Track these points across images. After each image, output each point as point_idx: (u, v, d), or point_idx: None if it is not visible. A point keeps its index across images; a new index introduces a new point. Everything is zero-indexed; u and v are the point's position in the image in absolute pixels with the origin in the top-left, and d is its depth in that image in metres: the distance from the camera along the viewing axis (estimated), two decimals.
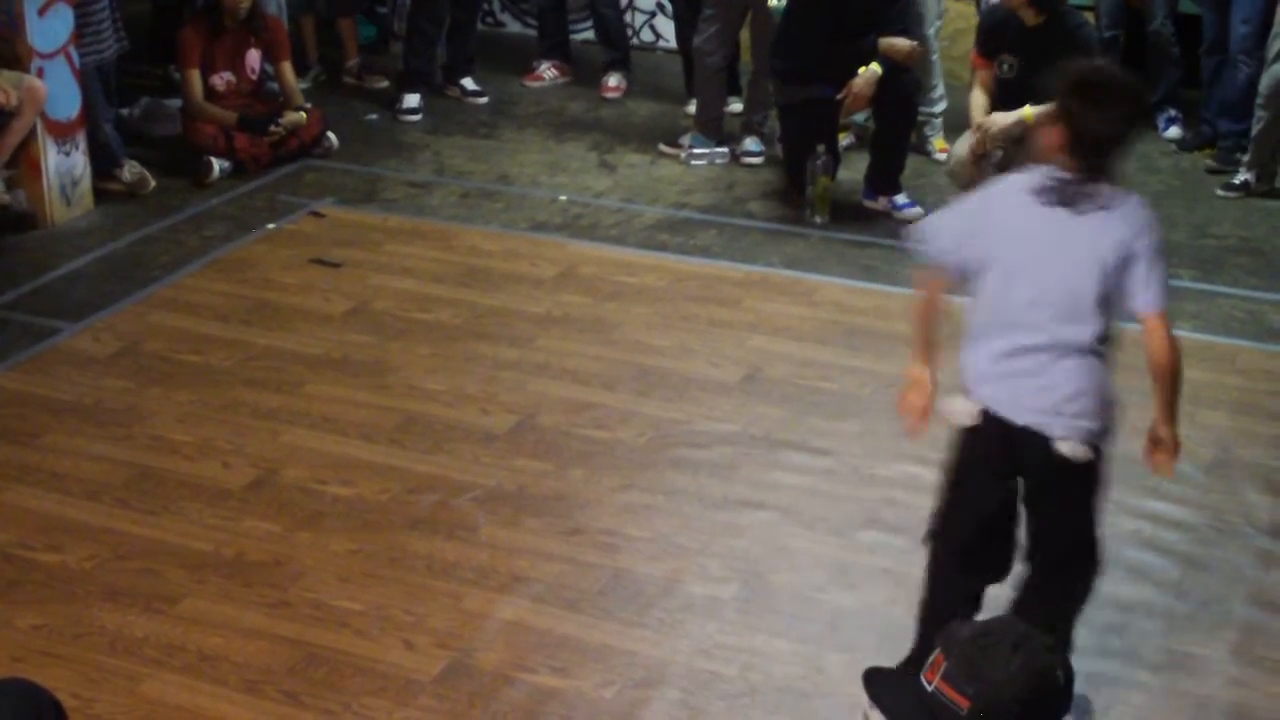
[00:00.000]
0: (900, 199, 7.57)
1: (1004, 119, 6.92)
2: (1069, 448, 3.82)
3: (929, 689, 2.50)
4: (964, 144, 7.17)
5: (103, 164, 7.64)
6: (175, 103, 8.47)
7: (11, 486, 5.17)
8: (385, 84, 9.44)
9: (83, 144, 7.44)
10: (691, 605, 4.60)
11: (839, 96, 7.43)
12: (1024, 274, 3.87)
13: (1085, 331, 3.83)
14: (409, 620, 4.49)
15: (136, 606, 4.54)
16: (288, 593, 4.62)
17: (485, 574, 4.72)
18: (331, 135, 8.37)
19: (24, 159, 7.24)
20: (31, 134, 7.18)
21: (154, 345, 6.16)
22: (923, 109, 8.06)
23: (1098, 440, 3.88)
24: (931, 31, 8.18)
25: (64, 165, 7.35)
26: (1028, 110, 6.79)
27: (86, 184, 7.49)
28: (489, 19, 10.45)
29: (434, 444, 5.45)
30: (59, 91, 7.24)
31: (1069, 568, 4.05)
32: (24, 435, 5.49)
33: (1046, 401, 3.83)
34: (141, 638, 4.41)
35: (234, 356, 6.08)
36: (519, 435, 5.52)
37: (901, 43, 7.38)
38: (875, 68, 7.33)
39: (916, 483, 5.20)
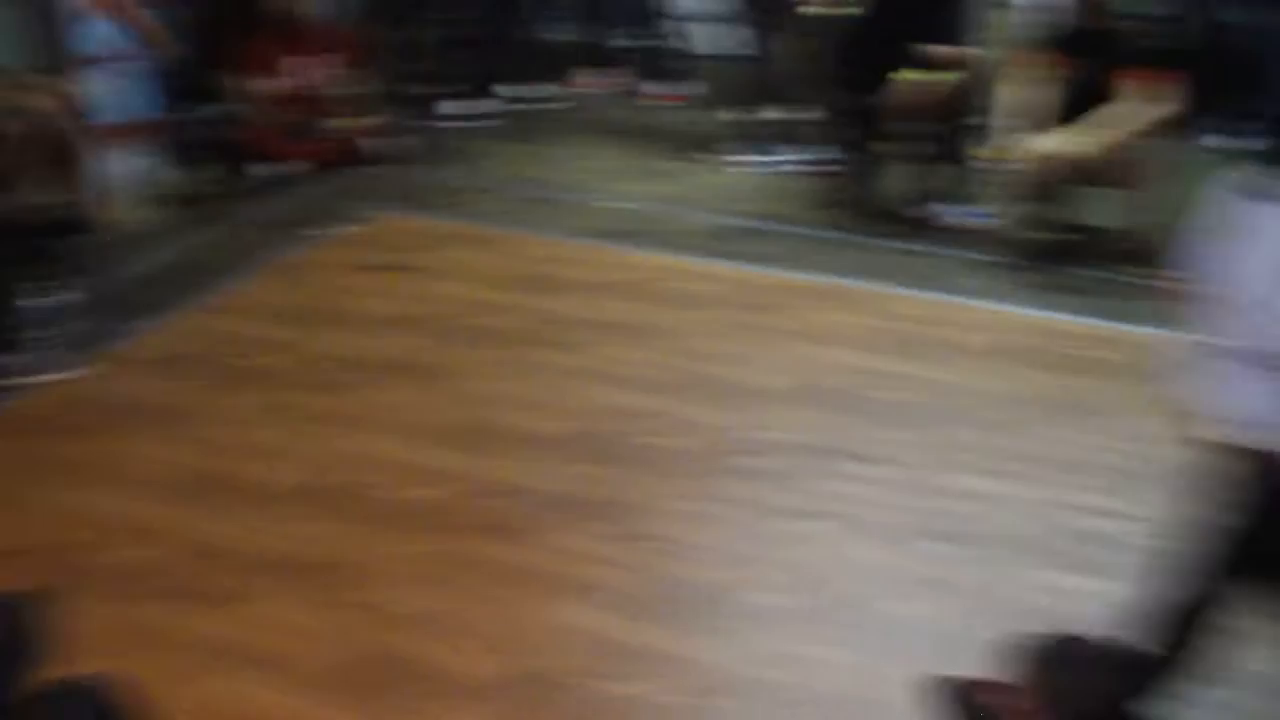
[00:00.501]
0: (946, 207, 7.55)
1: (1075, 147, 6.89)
2: None
3: None
4: (1033, 145, 7.10)
5: (158, 169, 7.69)
6: (232, 108, 8.51)
7: (77, 484, 5.21)
8: (444, 90, 9.46)
9: (143, 149, 7.50)
10: (750, 613, 4.60)
11: (885, 103, 7.42)
12: None
13: None
14: (467, 624, 4.50)
15: (196, 606, 4.57)
16: (345, 594, 4.64)
17: (544, 579, 4.73)
18: (387, 141, 8.40)
19: (72, 163, 7.28)
20: (77, 139, 7.22)
21: (212, 348, 6.20)
22: (971, 117, 8.02)
23: None
24: (983, 39, 8.13)
25: (125, 170, 7.41)
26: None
27: (145, 188, 7.55)
28: (535, 26, 10.45)
29: (495, 449, 5.47)
30: (117, 98, 7.31)
31: None
32: (89, 434, 5.54)
33: None
34: (200, 637, 4.43)
35: (292, 360, 6.12)
36: (579, 441, 5.53)
37: (948, 50, 7.37)
38: (924, 75, 7.32)
39: (974, 492, 5.20)
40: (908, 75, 7.33)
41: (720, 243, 7.33)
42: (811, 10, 8.01)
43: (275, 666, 4.32)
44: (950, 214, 7.52)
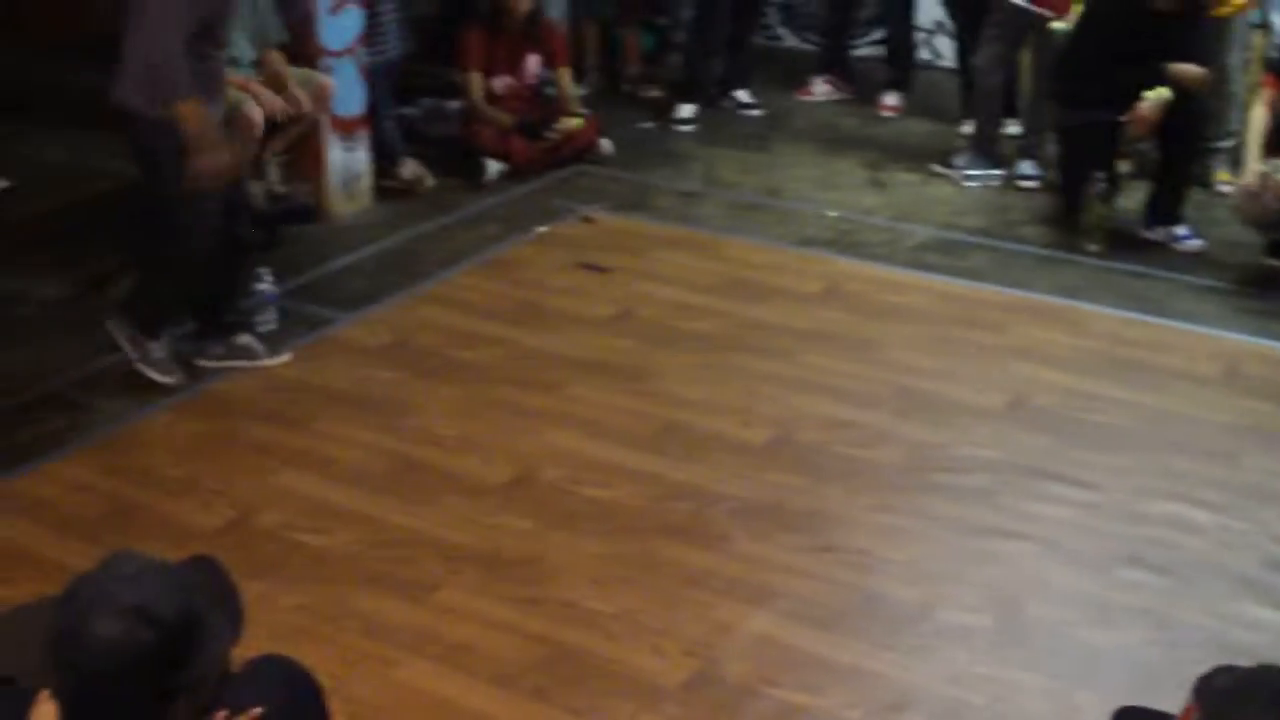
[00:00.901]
0: (1180, 230, 7.35)
1: None
2: None
3: None
4: (1249, 177, 6.94)
5: (383, 161, 7.85)
6: (455, 104, 8.66)
7: (282, 469, 5.33)
8: (660, 93, 9.53)
9: (365, 141, 7.66)
10: (943, 632, 4.52)
11: (1122, 121, 7.25)
12: None
13: None
14: (658, 626, 4.50)
15: (394, 593, 4.64)
16: (540, 590, 4.67)
17: (736, 585, 4.70)
18: (605, 142, 8.47)
19: (308, 153, 7.48)
20: (316, 130, 7.41)
21: (423, 340, 6.29)
22: (1211, 140, 7.81)
23: None
24: (1233, 60, 7.90)
25: (346, 161, 7.57)
26: None
27: (367, 180, 7.71)
28: (767, 32, 10.46)
29: (692, 452, 5.46)
30: (345, 89, 7.46)
31: None
32: (297, 420, 5.66)
33: None
34: (397, 624, 4.49)
35: (500, 355, 6.18)
36: (776, 449, 5.50)
37: (1193, 69, 7.17)
38: (1163, 93, 7.14)
39: (1184, 522, 5.05)
40: (1151, 93, 7.13)
41: (937, 256, 7.23)
42: (1059, 25, 7.85)
43: (468, 659, 4.35)
44: (1183, 237, 7.32)
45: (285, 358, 6.01)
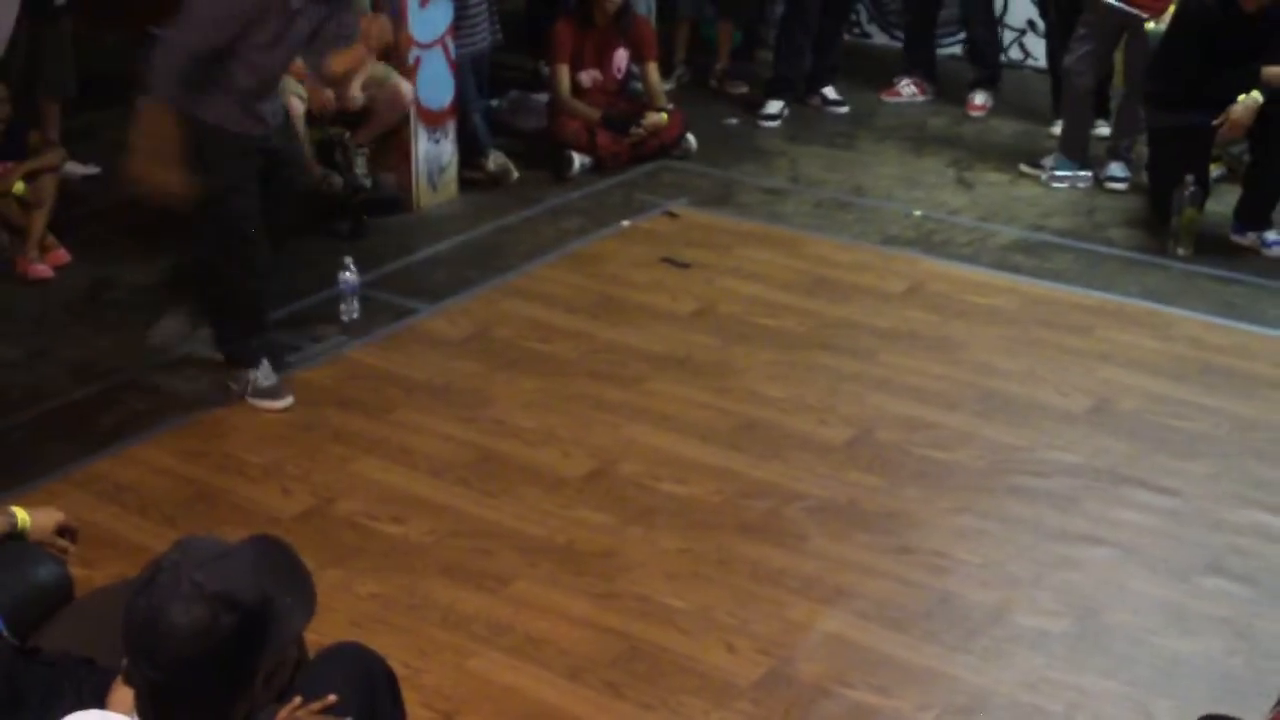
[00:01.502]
0: (1271, 236, 7.25)
1: None
2: None
3: None
4: None
5: (469, 153, 7.88)
6: (542, 97, 8.68)
7: (362, 457, 5.36)
8: (746, 89, 9.51)
9: (452, 133, 7.70)
10: (1019, 636, 4.48)
11: (1214, 124, 7.17)
12: None
13: None
14: (732, 623, 4.49)
15: (470, 584, 4.66)
16: (615, 584, 4.67)
17: (811, 584, 4.69)
18: (691, 137, 8.46)
19: (395, 145, 7.52)
20: (404, 121, 7.45)
21: (504, 332, 6.31)
22: None
23: None
24: None
25: (433, 153, 7.61)
26: None
27: (453, 171, 7.74)
28: (855, 29, 10.42)
29: (770, 450, 5.45)
30: (434, 81, 7.50)
31: None
32: (378, 409, 5.69)
33: None
34: (472, 614, 4.51)
35: (580, 348, 6.19)
36: (855, 448, 5.47)
37: None
38: (1256, 96, 7.04)
39: (1267, 531, 4.99)
40: (1244, 97, 7.04)
41: (1022, 257, 7.17)
42: (1152, 26, 7.77)
43: (542, 651, 4.36)
44: (1272, 243, 7.21)
45: (288, 401, 5.74)
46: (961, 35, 9.53)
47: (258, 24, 5.28)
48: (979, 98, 9.28)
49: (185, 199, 5.34)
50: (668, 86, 8.99)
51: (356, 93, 7.15)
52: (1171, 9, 7.62)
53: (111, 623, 2.57)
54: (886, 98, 9.49)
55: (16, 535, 3.55)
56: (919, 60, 9.57)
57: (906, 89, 9.50)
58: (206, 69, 5.28)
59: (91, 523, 4.80)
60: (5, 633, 3.18)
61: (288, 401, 5.69)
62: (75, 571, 3.69)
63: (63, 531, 3.67)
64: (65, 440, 5.47)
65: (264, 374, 5.71)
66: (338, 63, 5.80)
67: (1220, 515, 5.10)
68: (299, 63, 6.73)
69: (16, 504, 3.64)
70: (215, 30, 5.26)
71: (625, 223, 7.49)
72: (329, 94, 7.10)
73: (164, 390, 5.83)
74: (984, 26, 9.31)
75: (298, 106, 7.14)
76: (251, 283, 5.72)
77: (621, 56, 8.41)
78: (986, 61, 9.36)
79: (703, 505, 5.11)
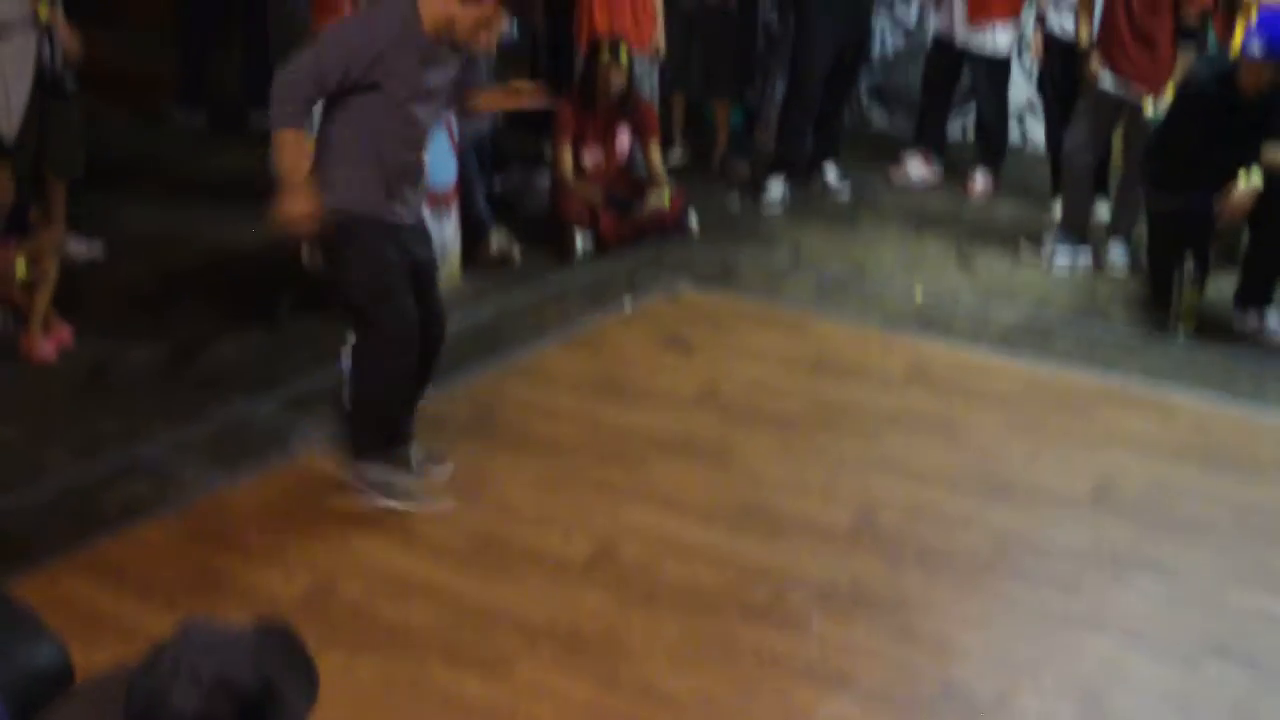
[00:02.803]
0: (1272, 318, 7.27)
1: None
2: None
3: None
4: None
5: (472, 233, 7.90)
6: (545, 177, 8.73)
7: (364, 539, 5.35)
8: (748, 170, 9.57)
9: (455, 213, 7.72)
10: None
11: (1214, 206, 7.21)
12: None
13: None
14: (735, 708, 4.46)
15: (471, 667, 4.63)
16: (617, 668, 4.65)
17: (814, 669, 4.66)
18: (693, 218, 8.50)
19: None
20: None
21: (507, 413, 6.32)
22: None
23: None
24: None
25: (435, 233, 7.60)
26: None
27: (455, 251, 7.76)
28: (856, 111, 10.48)
29: (772, 532, 5.44)
30: (437, 162, 7.51)
31: None
32: None
33: None
34: (473, 698, 4.48)
35: (582, 430, 6.19)
36: (858, 531, 5.46)
37: None
38: (1256, 179, 7.09)
39: (1271, 614, 4.98)
40: (1243, 178, 7.09)
41: (1024, 338, 7.19)
42: (1150, 108, 7.82)
43: None
44: (1274, 324, 7.23)
45: (448, 504, 5.56)
46: (964, 118, 9.57)
47: (393, 61, 5.06)
48: (980, 178, 9.32)
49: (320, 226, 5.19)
50: (679, 166, 9.05)
51: None
52: (1169, 91, 7.68)
53: (113, 708, 2.56)
54: (894, 174, 9.55)
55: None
56: (930, 138, 9.63)
57: (914, 166, 9.56)
58: (347, 142, 5.13)
59: (92, 604, 4.80)
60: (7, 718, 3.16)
61: (422, 501, 5.49)
62: (75, 654, 3.67)
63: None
64: (66, 521, 5.45)
65: (388, 469, 5.48)
66: (485, 99, 5.82)
67: (1224, 598, 5.09)
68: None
69: (17, 585, 3.61)
70: (346, 54, 5.02)
71: (628, 303, 7.51)
72: None
73: (166, 471, 5.82)
74: (994, 106, 9.36)
75: None
76: (387, 385, 5.46)
77: (624, 137, 8.47)
78: (992, 143, 9.41)
79: (705, 588, 5.09)
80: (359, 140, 5.14)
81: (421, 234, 5.55)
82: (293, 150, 5.07)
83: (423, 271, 5.49)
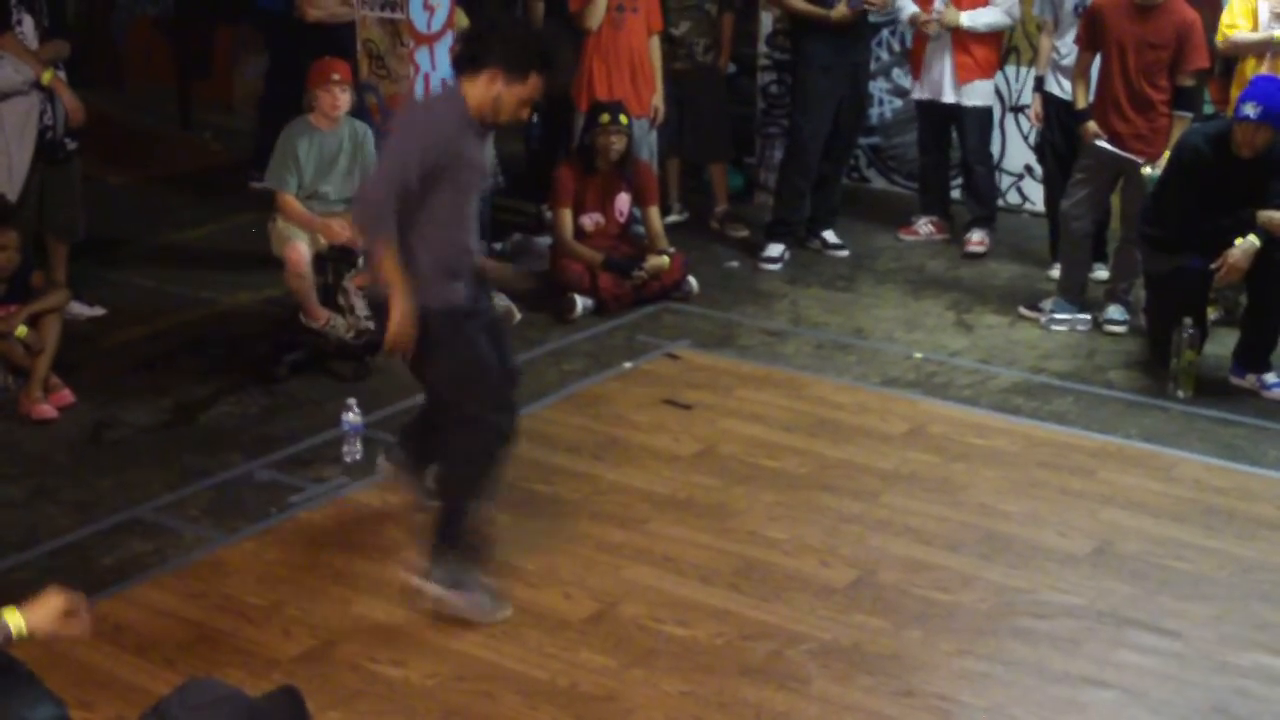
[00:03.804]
0: (1270, 378, 7.28)
1: None
2: None
3: None
4: None
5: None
6: (544, 240, 8.76)
7: (363, 599, 5.34)
8: (747, 233, 9.60)
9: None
10: None
11: (1212, 268, 7.24)
12: None
13: None
14: None
15: None
16: None
17: None
18: (692, 280, 8.53)
19: None
20: None
21: (513, 474, 6.28)
22: None
23: None
24: None
25: None
26: None
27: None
28: (854, 174, 10.53)
29: (772, 592, 5.43)
30: None
31: None
32: (379, 551, 5.67)
33: None
34: None
35: (582, 489, 6.19)
36: (858, 590, 5.46)
37: None
38: (1253, 240, 7.12)
39: (1272, 673, 4.97)
40: (1240, 240, 7.12)
41: (1023, 399, 7.19)
42: (1148, 171, 7.86)
43: None
44: (1272, 385, 7.24)
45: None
46: (972, 180, 9.59)
47: (460, 147, 5.02)
48: (976, 236, 9.36)
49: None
50: (667, 220, 9.08)
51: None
52: (1166, 154, 7.72)
53: None
54: (904, 236, 9.60)
55: (17, 643, 3.39)
56: (934, 201, 9.68)
57: (924, 228, 9.61)
58: (416, 242, 5.02)
59: (90, 663, 4.79)
60: None
61: (501, 614, 5.26)
62: (75, 713, 3.67)
63: (69, 615, 3.48)
64: (66, 580, 5.33)
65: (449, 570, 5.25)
66: None
67: (1224, 658, 5.08)
68: (306, 211, 6.87)
69: (16, 648, 3.59)
70: (421, 153, 4.94)
71: (627, 364, 7.53)
72: (338, 225, 7.23)
73: (165, 531, 5.82)
74: (984, 164, 9.41)
75: (304, 252, 7.24)
76: (481, 476, 5.34)
77: (624, 200, 8.51)
78: (983, 200, 9.45)
79: (705, 647, 5.09)
80: (425, 237, 5.06)
81: (485, 290, 5.49)
82: (394, 260, 4.97)
83: (497, 328, 5.50)
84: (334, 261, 7.51)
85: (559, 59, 5.18)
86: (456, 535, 5.25)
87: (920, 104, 9.54)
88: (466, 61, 5.07)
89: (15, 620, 3.35)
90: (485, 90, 5.02)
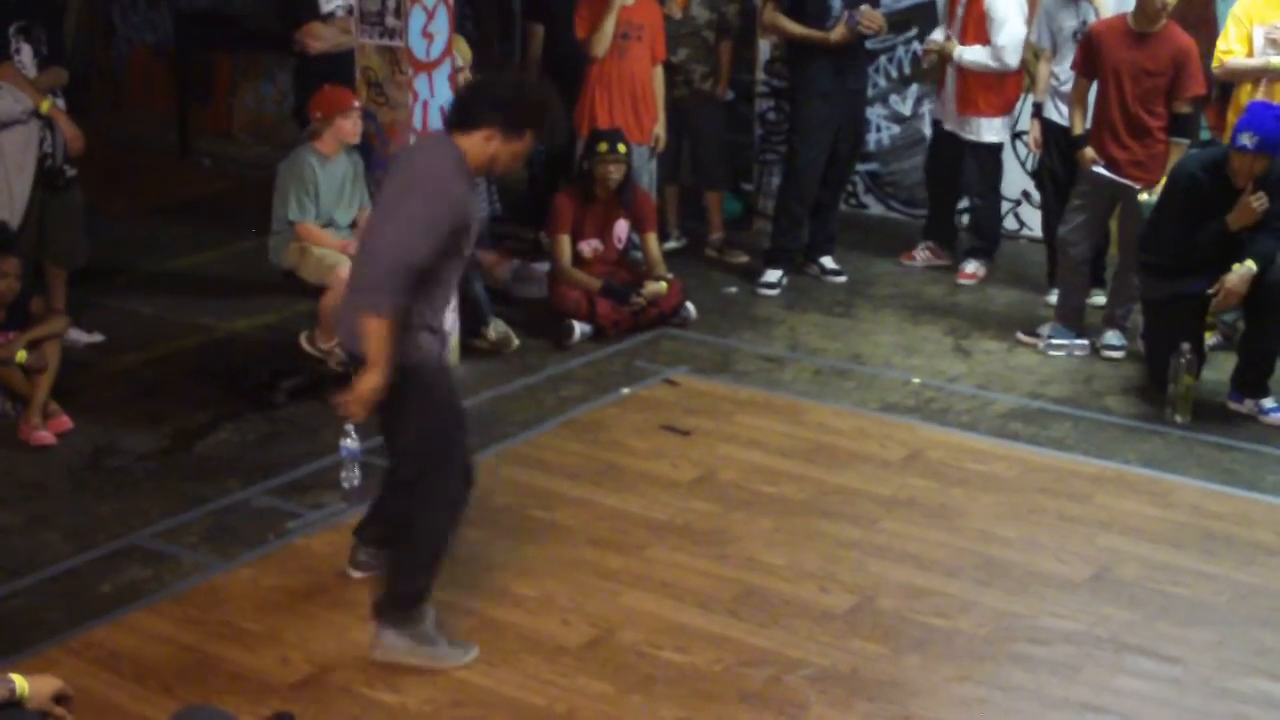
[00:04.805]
0: (1268, 403, 7.29)
1: None
2: None
3: None
4: None
5: (470, 322, 7.93)
6: (543, 266, 8.77)
7: (361, 625, 5.31)
8: (745, 259, 9.61)
9: (453, 302, 7.74)
10: None
11: (1209, 293, 7.25)
12: None
13: None
14: None
15: None
16: None
17: None
18: (690, 306, 8.53)
19: None
20: None
21: (504, 499, 6.31)
22: None
23: None
24: None
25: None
26: None
27: (454, 340, 7.78)
28: (852, 200, 10.55)
29: (770, 618, 5.43)
30: None
31: None
32: (376, 576, 5.66)
33: None
34: None
35: (580, 515, 6.19)
36: (856, 616, 5.45)
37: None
38: (1250, 265, 7.14)
39: (1271, 699, 4.96)
40: (1237, 266, 7.13)
41: (1021, 425, 7.20)
42: (1145, 197, 7.87)
43: None
44: (1270, 410, 7.24)
45: (475, 654, 5.23)
46: (972, 207, 9.59)
47: (469, 210, 5.01)
48: (970, 266, 9.37)
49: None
50: (665, 247, 9.09)
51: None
52: (1163, 180, 7.73)
53: None
54: (905, 261, 9.61)
55: (15, 703, 3.54)
56: (939, 229, 9.67)
57: (922, 254, 9.61)
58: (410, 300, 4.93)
59: (88, 691, 4.78)
60: None
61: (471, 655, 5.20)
62: None
63: (60, 699, 3.68)
64: (63, 607, 5.45)
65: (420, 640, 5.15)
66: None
67: (1224, 683, 5.08)
68: (337, 238, 6.89)
69: (14, 670, 3.63)
70: (441, 230, 4.90)
71: (625, 390, 7.53)
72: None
73: (163, 557, 5.82)
74: (984, 199, 9.41)
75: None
76: (447, 532, 5.23)
77: (622, 227, 8.52)
78: (983, 232, 9.45)
79: (703, 674, 5.08)
80: (421, 294, 4.98)
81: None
82: (388, 338, 4.87)
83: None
84: None
85: (552, 118, 5.18)
86: (414, 601, 5.14)
87: (935, 124, 9.56)
88: (463, 118, 5.06)
89: (21, 682, 3.59)
90: (482, 147, 5.03)
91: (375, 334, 4.87)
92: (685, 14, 9.42)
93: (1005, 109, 9.21)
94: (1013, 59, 9.00)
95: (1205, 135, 8.70)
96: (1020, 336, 8.33)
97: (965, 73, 9.06)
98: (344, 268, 7.23)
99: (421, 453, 5.12)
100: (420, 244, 4.86)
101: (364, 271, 5.00)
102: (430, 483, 5.11)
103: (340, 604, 5.48)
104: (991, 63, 8.97)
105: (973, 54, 8.98)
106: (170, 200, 10.99)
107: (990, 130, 9.20)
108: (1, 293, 6.81)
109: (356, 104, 7.49)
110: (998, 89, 9.12)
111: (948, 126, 9.27)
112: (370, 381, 4.90)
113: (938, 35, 9.26)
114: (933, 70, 9.48)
